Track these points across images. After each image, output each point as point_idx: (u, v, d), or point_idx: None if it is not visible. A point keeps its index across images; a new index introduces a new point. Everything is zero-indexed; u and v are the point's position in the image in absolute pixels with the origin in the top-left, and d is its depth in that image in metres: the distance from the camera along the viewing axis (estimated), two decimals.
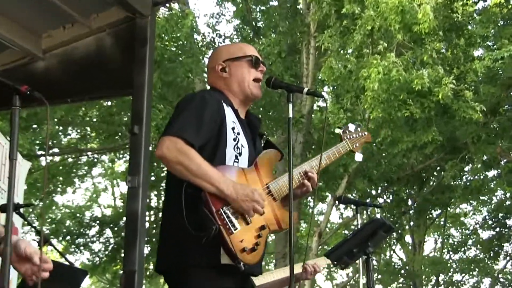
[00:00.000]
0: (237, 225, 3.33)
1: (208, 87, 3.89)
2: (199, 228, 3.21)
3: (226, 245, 3.27)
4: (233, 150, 3.51)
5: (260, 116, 17.91)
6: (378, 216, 21.36)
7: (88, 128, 21.38)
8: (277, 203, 3.59)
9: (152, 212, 21.62)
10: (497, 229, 26.07)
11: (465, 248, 28.58)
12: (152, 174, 19.80)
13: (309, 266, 5.53)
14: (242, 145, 3.57)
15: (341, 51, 17.22)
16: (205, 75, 17.36)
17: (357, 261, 6.26)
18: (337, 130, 4.14)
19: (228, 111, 3.60)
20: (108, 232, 23.19)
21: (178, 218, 3.24)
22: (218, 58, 3.82)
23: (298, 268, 5.38)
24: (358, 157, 4.14)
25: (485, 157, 19.37)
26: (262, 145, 3.86)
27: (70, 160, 23.13)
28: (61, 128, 20.90)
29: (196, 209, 3.27)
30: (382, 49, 15.27)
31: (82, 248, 23.03)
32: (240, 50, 3.84)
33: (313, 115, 20.22)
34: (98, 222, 23.17)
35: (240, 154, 3.55)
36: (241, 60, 3.78)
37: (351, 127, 4.15)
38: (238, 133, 3.59)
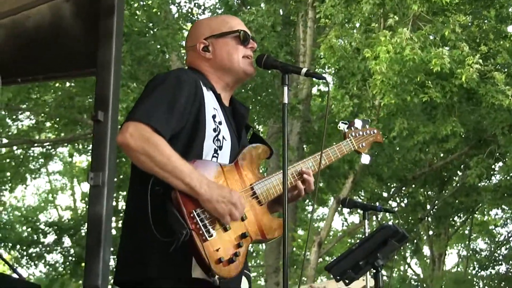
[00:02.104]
0: (212, 231, 3.30)
1: (187, 67, 3.88)
2: (167, 233, 3.20)
3: (198, 254, 3.24)
4: (212, 142, 3.50)
5: (249, 100, 17.99)
6: (390, 223, 21.45)
7: (43, 115, 21.32)
8: (262, 208, 3.58)
9: (120, 216, 21.63)
10: None
11: (495, 263, 28.68)
12: (120, 170, 19.78)
13: None
14: (223, 137, 3.56)
15: (346, 25, 17.20)
16: (183, 50, 17.35)
17: (364, 276, 6.28)
18: (341, 126, 4.12)
19: (208, 95, 3.59)
20: (67, 241, 23.20)
21: (142, 219, 3.24)
22: (199, 35, 3.79)
23: None
24: (365, 159, 4.13)
25: None
26: (249, 139, 3.84)
27: (20, 151, 23.07)
28: (8, 113, 20.86)
29: (164, 210, 3.26)
30: (393, 23, 15.26)
31: (36, 259, 23.04)
32: (225, 25, 3.81)
33: (311, 101, 20.26)
34: (55, 228, 23.12)
35: (220, 147, 3.53)
36: (227, 37, 3.76)
37: (358, 123, 4.13)
38: (220, 123, 3.57)
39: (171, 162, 3.26)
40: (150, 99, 3.41)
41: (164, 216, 3.25)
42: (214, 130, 3.52)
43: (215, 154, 3.51)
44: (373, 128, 4.19)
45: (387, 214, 22.39)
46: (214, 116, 3.55)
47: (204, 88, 3.58)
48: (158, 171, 3.26)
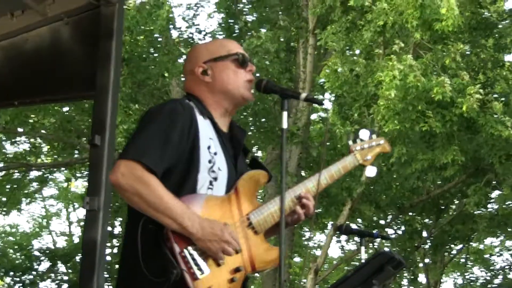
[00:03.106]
0: (204, 269, 3.28)
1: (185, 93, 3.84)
2: (159, 271, 3.18)
3: None
4: (207, 174, 3.46)
5: (249, 126, 18.00)
6: (386, 249, 21.38)
7: (40, 138, 21.30)
8: (258, 237, 3.53)
9: (115, 241, 21.55)
10: None
11: None
12: (117, 195, 19.70)
13: None
14: (219, 168, 3.50)
15: (347, 52, 17.26)
16: (183, 78, 17.38)
17: None
18: (349, 142, 3.99)
19: (204, 125, 3.55)
20: (61, 268, 23.10)
21: (135, 258, 3.22)
22: (198, 59, 3.73)
23: None
24: (370, 171, 4.03)
25: None
26: (248, 163, 3.80)
27: (16, 175, 23.01)
28: (6, 136, 20.83)
29: (156, 249, 3.24)
30: (397, 49, 15.28)
31: (29, 286, 22.92)
32: (223, 48, 3.76)
33: (311, 127, 20.28)
34: (49, 255, 23.01)
35: (215, 179, 3.48)
36: (226, 60, 3.71)
37: (364, 133, 4.02)
38: (215, 153, 3.52)
39: (163, 202, 3.23)
40: (142, 136, 3.38)
41: (156, 254, 3.23)
42: (209, 161, 3.48)
43: (210, 186, 3.46)
44: (380, 139, 4.07)
45: (385, 241, 22.39)
46: (209, 147, 3.50)
47: (200, 117, 3.53)
48: (150, 211, 3.24)
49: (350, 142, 4.01)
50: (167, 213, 3.22)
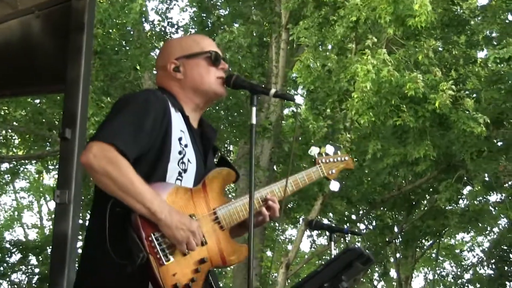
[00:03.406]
0: (170, 256, 3.29)
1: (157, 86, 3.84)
2: (125, 254, 3.18)
3: (154, 278, 3.22)
4: (177, 165, 3.48)
5: (221, 121, 17.98)
6: (358, 245, 21.48)
7: (11, 131, 21.16)
8: (224, 233, 3.56)
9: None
10: (499, 264, 26.28)
11: (461, 286, 28.82)
12: (89, 189, 19.61)
13: None
14: (188, 160, 3.53)
15: (319, 47, 17.28)
16: (155, 71, 17.33)
17: None
18: (312, 151, 4.13)
19: (176, 117, 3.57)
20: (32, 260, 22.98)
21: (101, 239, 3.21)
22: (170, 55, 3.75)
23: None
24: (334, 186, 4.17)
25: (486, 178, 19.55)
26: (216, 162, 3.82)
27: None
28: None
29: (123, 232, 3.24)
30: (370, 45, 15.33)
31: (0, 278, 22.79)
32: (196, 45, 3.77)
33: (283, 122, 20.30)
34: (20, 247, 22.90)
35: (185, 170, 3.51)
36: (198, 57, 3.72)
37: (329, 149, 4.16)
38: (186, 145, 3.55)
39: (134, 186, 3.22)
40: (116, 120, 3.37)
41: (123, 237, 3.22)
42: (180, 152, 3.50)
43: (179, 177, 3.48)
44: (344, 155, 4.22)
45: (356, 237, 22.49)
46: (180, 139, 3.53)
47: (172, 110, 3.55)
48: (120, 194, 3.23)
49: (316, 155, 4.12)
50: (137, 198, 3.22)
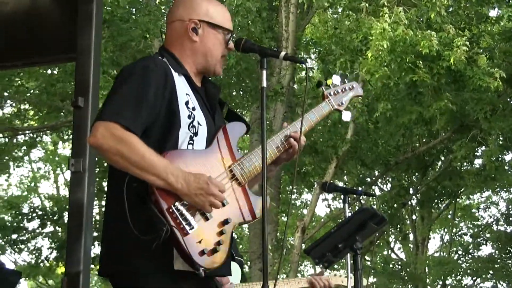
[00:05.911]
0: (193, 223, 3.30)
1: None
2: (147, 229, 3.21)
3: (181, 248, 3.25)
4: (187, 129, 3.48)
5: (233, 86, 17.95)
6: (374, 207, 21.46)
7: (26, 102, 21.18)
8: (242, 189, 3.57)
9: (103, 201, 21.52)
10: None
11: (478, 246, 28.79)
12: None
13: (320, 280, 5.60)
14: (198, 123, 3.53)
15: (330, 9, 17.19)
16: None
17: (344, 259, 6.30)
18: (323, 88, 4.03)
19: (180, 81, 3.56)
20: (51, 228, 23.11)
21: (122, 217, 3.22)
22: (194, 12, 3.71)
23: (299, 283, 5.48)
24: (346, 116, 4.08)
25: (500, 138, 19.49)
26: (224, 115, 3.83)
27: (3, 140, 22.94)
28: None
29: (143, 207, 3.26)
30: (385, 3, 15.21)
31: (20, 244, 22.96)
32: (222, 17, 3.75)
33: (296, 86, 20.26)
34: (39, 213, 23.01)
35: (195, 133, 3.51)
36: (219, 30, 3.73)
37: (336, 79, 4.08)
38: (193, 108, 3.54)
39: (146, 160, 3.24)
40: (117, 96, 3.38)
41: (143, 213, 3.25)
42: (189, 117, 3.49)
43: (190, 141, 3.49)
44: (352, 82, 4.12)
45: (371, 199, 22.48)
46: (187, 103, 3.52)
47: (175, 74, 3.55)
48: (133, 169, 3.25)
49: (324, 88, 4.04)
50: (150, 170, 3.24)
